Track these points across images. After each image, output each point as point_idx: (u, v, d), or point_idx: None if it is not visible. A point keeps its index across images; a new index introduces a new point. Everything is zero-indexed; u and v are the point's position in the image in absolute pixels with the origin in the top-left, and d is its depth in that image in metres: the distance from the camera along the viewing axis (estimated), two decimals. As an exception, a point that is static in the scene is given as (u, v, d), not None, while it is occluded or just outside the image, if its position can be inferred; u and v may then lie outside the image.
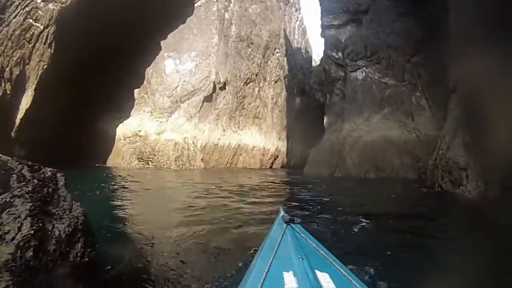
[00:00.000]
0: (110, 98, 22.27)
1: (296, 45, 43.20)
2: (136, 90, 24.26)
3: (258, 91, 31.86)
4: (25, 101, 16.53)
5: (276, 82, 35.28)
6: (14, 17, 15.17)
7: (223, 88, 26.56)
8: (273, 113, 34.58)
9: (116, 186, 11.19)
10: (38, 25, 16.04)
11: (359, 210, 6.96)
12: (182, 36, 25.10)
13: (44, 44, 16.60)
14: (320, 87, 30.07)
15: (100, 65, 21.89)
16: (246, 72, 29.54)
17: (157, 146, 22.24)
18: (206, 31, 25.87)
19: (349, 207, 7.67)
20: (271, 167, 33.61)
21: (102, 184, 10.73)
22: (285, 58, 37.76)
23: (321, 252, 2.42)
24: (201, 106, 24.71)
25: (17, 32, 15.12)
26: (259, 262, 2.23)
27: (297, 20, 44.53)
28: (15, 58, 15.10)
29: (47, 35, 16.60)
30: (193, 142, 23.21)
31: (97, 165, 20.45)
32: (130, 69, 22.96)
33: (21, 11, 15.21)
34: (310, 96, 39.78)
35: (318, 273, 1.99)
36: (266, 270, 2.00)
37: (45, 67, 16.80)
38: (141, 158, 21.97)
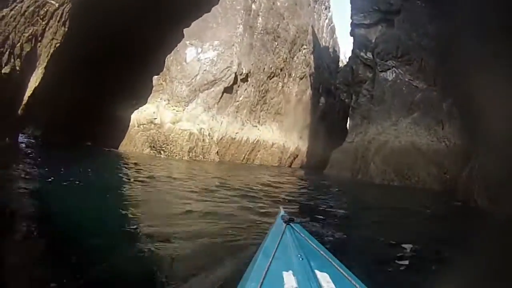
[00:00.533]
0: (127, 84, 21.83)
1: (324, 44, 41.80)
2: (154, 77, 23.57)
3: (282, 87, 30.72)
4: (34, 79, 15.90)
5: (301, 79, 34.09)
6: (30, -7, 14.73)
7: (245, 80, 25.52)
8: (296, 111, 33.40)
9: (118, 173, 10.33)
10: (53, 2, 14.89)
11: (396, 231, 5.81)
12: (206, 25, 24.16)
13: (58, 22, 15.51)
14: (346, 87, 29.01)
15: (119, 49, 21.48)
16: (270, 66, 28.43)
17: (171, 136, 21.41)
18: (231, 20, 24.87)
19: (383, 226, 6.51)
20: (290, 166, 32.49)
21: (88, 170, 9.76)
22: (312, 56, 36.51)
23: (321, 252, 2.38)
24: (221, 97, 23.74)
25: (31, 8, 13.88)
26: (258, 262, 2.16)
27: (326, 19, 43.11)
28: (26, 35, 13.95)
29: (62, 13, 15.59)
30: (209, 134, 22.27)
31: (107, 149, 19.83)
32: (149, 55, 22.33)
33: (37, -12, 14.77)
34: (335, 97, 39.11)
35: (317, 273, 1.96)
36: (266, 270, 1.94)
37: (57, 45, 15.88)
38: (154, 147, 21.20)
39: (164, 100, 22.91)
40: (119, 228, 4.57)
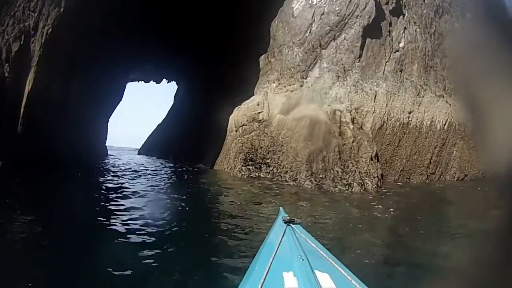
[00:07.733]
0: (235, 81, 15.89)
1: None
2: (261, 57, 14.58)
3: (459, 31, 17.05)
4: (28, 82, 11.39)
5: (474, 22, 19.65)
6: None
7: (397, 12, 13.25)
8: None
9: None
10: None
11: None
12: (311, -32, 14.01)
13: (50, 5, 11.70)
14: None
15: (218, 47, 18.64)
16: (432, -4, 15.56)
17: (280, 136, 10.67)
18: None
19: None
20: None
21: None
22: (478, -5, 21.91)
23: (321, 252, 2.25)
24: (362, 46, 11.99)
25: (22, 5, 10.97)
26: (259, 263, 2.04)
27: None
28: (14, 33, 10.89)
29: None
30: (352, 121, 10.62)
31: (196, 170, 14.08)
32: (253, 35, 15.40)
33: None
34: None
35: (318, 273, 1.83)
36: (266, 270, 1.79)
37: (49, 31, 11.57)
38: (251, 160, 10.70)
39: (273, 82, 12.84)
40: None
